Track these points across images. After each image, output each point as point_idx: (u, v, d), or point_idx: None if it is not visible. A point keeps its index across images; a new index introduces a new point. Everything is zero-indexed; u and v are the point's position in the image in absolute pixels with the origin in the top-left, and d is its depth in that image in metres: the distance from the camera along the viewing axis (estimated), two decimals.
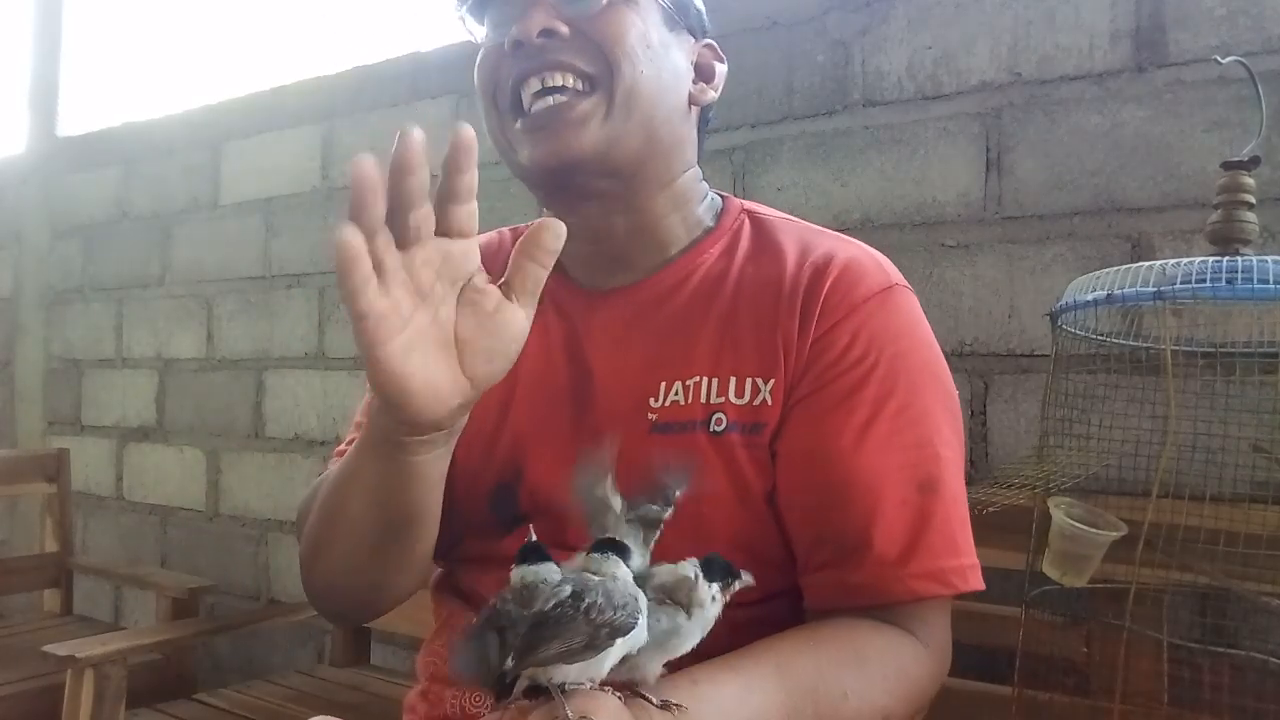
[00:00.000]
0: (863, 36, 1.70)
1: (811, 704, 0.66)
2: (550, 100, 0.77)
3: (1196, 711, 0.99)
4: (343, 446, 1.01)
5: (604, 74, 0.78)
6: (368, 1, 2.67)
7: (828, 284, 0.79)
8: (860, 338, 0.78)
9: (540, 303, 0.87)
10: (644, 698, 0.60)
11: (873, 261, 0.83)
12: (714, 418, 0.79)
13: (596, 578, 0.59)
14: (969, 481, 1.52)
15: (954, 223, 1.60)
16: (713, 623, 0.62)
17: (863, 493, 0.75)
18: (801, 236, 0.85)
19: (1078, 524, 1.06)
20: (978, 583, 0.78)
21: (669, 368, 0.81)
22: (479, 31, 0.85)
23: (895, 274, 0.83)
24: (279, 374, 2.56)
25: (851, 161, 1.70)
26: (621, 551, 0.61)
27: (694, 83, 0.86)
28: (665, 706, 0.59)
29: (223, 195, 2.73)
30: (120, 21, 3.30)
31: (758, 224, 0.88)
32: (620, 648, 0.57)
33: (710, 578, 0.62)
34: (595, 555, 0.60)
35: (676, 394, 0.80)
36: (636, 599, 0.58)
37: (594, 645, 0.56)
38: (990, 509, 1.08)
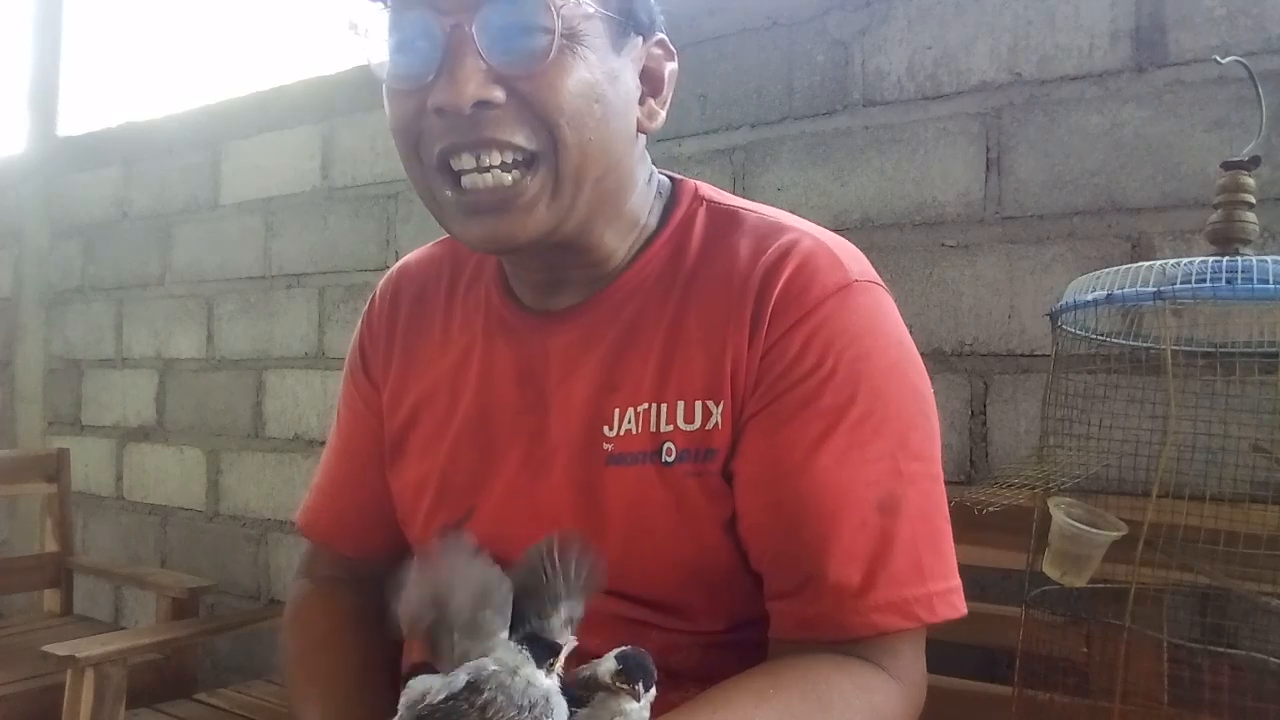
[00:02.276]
0: (863, 36, 1.70)
1: None
2: (488, 179, 0.68)
3: (1196, 711, 0.99)
4: (323, 471, 0.99)
5: (547, 149, 0.69)
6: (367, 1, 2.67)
7: (778, 287, 0.72)
8: (814, 343, 0.71)
9: (489, 329, 0.84)
10: None
11: (830, 257, 0.75)
12: (664, 448, 0.73)
13: (493, 668, 0.52)
14: (969, 481, 1.53)
15: (954, 223, 1.60)
16: None
17: (816, 515, 0.69)
18: (757, 230, 0.78)
19: (1078, 524, 1.06)
20: (949, 610, 0.71)
21: (621, 393, 0.76)
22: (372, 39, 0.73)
23: (858, 268, 0.76)
24: (279, 374, 2.56)
25: (851, 161, 1.70)
26: (541, 651, 0.54)
27: (641, 103, 0.76)
28: None
29: (223, 195, 2.73)
30: (120, 21, 3.30)
31: (714, 214, 0.81)
32: None
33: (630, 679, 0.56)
34: (511, 643, 0.54)
35: (629, 422, 0.74)
36: (547, 701, 0.52)
37: None
38: (990, 509, 1.08)
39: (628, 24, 0.73)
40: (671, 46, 0.79)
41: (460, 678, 0.52)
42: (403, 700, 0.55)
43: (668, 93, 0.79)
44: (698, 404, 0.73)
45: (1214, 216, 1.05)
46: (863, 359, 0.71)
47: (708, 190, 0.84)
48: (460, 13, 0.66)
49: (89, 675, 1.70)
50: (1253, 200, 1.04)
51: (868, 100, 1.69)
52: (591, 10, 0.69)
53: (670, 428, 0.73)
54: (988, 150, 1.57)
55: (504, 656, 0.53)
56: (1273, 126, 1.24)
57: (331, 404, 2.41)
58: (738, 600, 0.76)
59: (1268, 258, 0.95)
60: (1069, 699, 1.09)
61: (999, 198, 1.56)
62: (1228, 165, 1.05)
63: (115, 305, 3.00)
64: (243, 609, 2.54)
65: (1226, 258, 0.98)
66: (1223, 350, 1.02)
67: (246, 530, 2.59)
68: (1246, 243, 1.03)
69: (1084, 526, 1.06)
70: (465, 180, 0.69)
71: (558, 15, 0.66)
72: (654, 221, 0.81)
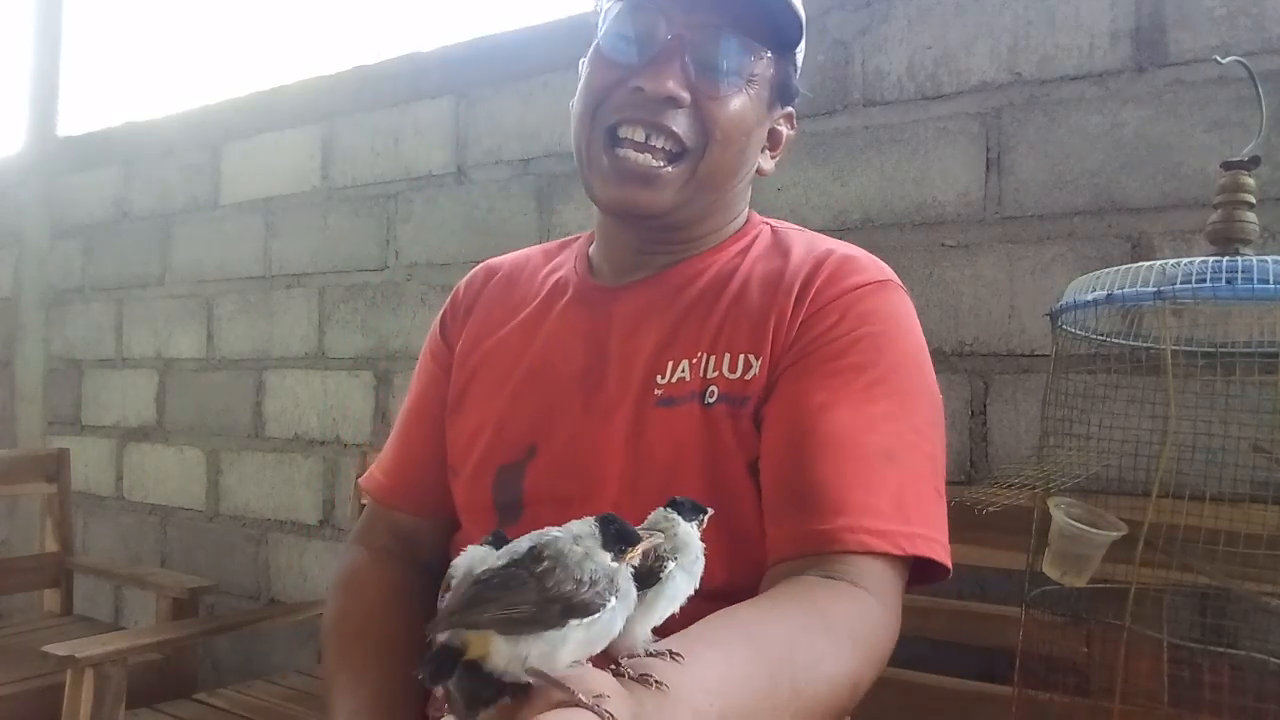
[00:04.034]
0: (863, 36, 1.70)
1: (789, 673, 0.64)
2: (642, 158, 0.83)
3: (1196, 711, 0.99)
4: (373, 480, 1.06)
5: (697, 149, 0.84)
6: (368, 1, 2.67)
7: (824, 273, 0.85)
8: (848, 316, 0.82)
9: (565, 295, 0.95)
10: (620, 671, 0.54)
11: (871, 261, 0.88)
12: (708, 390, 0.83)
13: (556, 534, 0.50)
14: (969, 481, 1.53)
15: (954, 223, 1.60)
16: (701, 564, 0.57)
17: (827, 446, 0.77)
18: (810, 241, 0.92)
19: (1078, 524, 1.06)
20: (930, 551, 0.77)
21: (677, 348, 0.86)
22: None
23: (893, 275, 0.88)
24: (279, 374, 2.56)
25: (851, 161, 1.70)
26: (611, 535, 0.51)
27: (763, 151, 0.93)
28: (643, 680, 0.53)
29: (223, 195, 2.73)
30: (120, 21, 3.30)
31: (775, 232, 0.95)
32: (578, 636, 0.48)
33: (686, 517, 0.56)
34: (588, 519, 0.52)
35: (682, 371, 0.85)
36: (612, 582, 0.49)
37: (541, 620, 0.47)
38: (990, 509, 1.08)
39: (781, 95, 0.92)
40: (795, 120, 0.97)
41: (523, 544, 0.50)
42: (450, 571, 0.55)
43: (781, 152, 0.96)
44: (741, 356, 0.84)
45: (1214, 216, 1.05)
46: (887, 337, 0.83)
47: (770, 219, 0.99)
48: (685, 29, 0.83)
49: (89, 675, 1.70)
50: (1253, 200, 1.04)
51: (868, 100, 1.69)
52: (770, 73, 0.88)
53: (716, 374, 0.84)
54: (988, 150, 1.57)
55: (573, 526, 0.51)
56: (1273, 126, 1.24)
57: (332, 404, 2.43)
58: (749, 550, 0.81)
59: (1268, 258, 0.95)
60: (1069, 699, 1.09)
61: (999, 198, 1.56)
62: (1228, 165, 1.05)
63: (115, 305, 3.00)
64: (243, 609, 2.54)
65: (1226, 258, 0.98)
66: (1223, 350, 1.02)
67: (246, 530, 2.59)
68: (1246, 243, 1.03)
69: (1084, 526, 1.06)
70: (621, 151, 0.84)
71: (752, 62, 0.85)
72: (733, 229, 0.95)
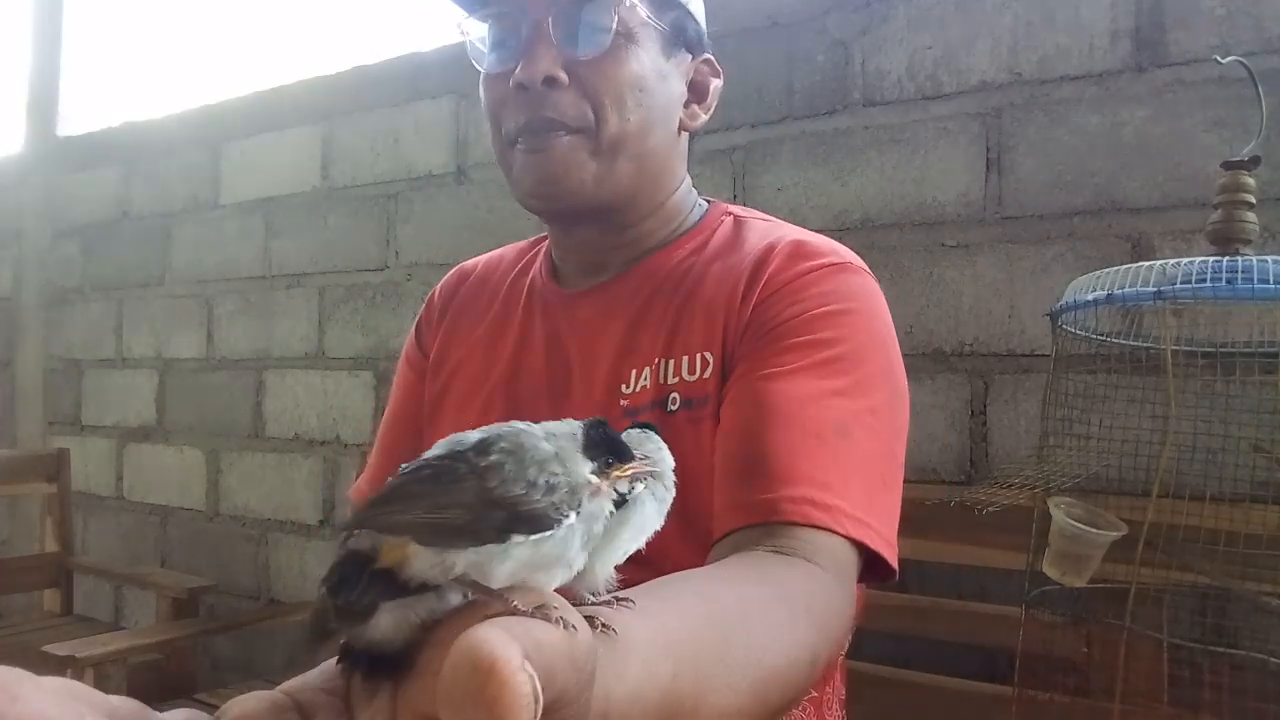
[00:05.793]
0: (863, 36, 1.70)
1: (744, 639, 0.58)
2: (547, 146, 0.83)
3: (1196, 711, 0.99)
4: (360, 485, 1.06)
5: (591, 122, 0.82)
6: (368, 1, 2.67)
7: (776, 260, 0.82)
8: (804, 298, 0.80)
9: (529, 306, 0.94)
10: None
11: (828, 245, 0.85)
12: (670, 397, 0.82)
13: (533, 432, 0.39)
14: (969, 481, 1.53)
15: (954, 223, 1.60)
16: (672, 495, 0.46)
17: (776, 416, 0.75)
18: (768, 229, 0.88)
19: (1078, 524, 1.06)
20: (868, 538, 0.71)
21: (637, 356, 0.85)
22: (476, 30, 0.88)
23: (853, 258, 0.85)
24: (279, 374, 2.56)
25: (851, 161, 1.70)
26: (600, 442, 0.41)
27: (686, 106, 0.89)
28: (591, 620, 0.39)
29: (223, 195, 2.73)
30: (120, 21, 3.30)
31: (737, 224, 0.91)
32: (521, 555, 0.36)
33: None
34: (574, 421, 0.43)
35: (644, 379, 0.84)
36: (573, 494, 0.38)
37: (475, 530, 0.35)
38: (990, 509, 1.08)
39: (678, 39, 0.87)
40: (718, 66, 0.92)
41: (473, 435, 0.39)
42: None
43: (711, 102, 0.92)
44: (699, 355, 0.82)
45: (1214, 216, 1.05)
46: (848, 314, 0.79)
47: (737, 208, 0.95)
48: (541, 12, 0.82)
49: (89, 675, 1.71)
50: (1253, 200, 1.04)
51: (868, 100, 1.69)
52: (646, 19, 0.84)
53: (676, 380, 0.82)
54: (988, 150, 1.57)
55: (551, 425, 0.41)
56: (1273, 126, 1.24)
57: (332, 404, 2.43)
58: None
59: (1268, 258, 0.95)
60: (1069, 699, 1.09)
61: (999, 198, 1.56)
62: (1228, 165, 1.05)
63: (115, 305, 3.00)
64: (243, 609, 2.54)
65: (1226, 258, 0.98)
66: (1223, 350, 1.02)
67: (246, 530, 2.59)
68: (1246, 243, 1.03)
69: (1084, 526, 1.06)
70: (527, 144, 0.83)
71: (616, 18, 0.82)
72: (688, 224, 0.92)
